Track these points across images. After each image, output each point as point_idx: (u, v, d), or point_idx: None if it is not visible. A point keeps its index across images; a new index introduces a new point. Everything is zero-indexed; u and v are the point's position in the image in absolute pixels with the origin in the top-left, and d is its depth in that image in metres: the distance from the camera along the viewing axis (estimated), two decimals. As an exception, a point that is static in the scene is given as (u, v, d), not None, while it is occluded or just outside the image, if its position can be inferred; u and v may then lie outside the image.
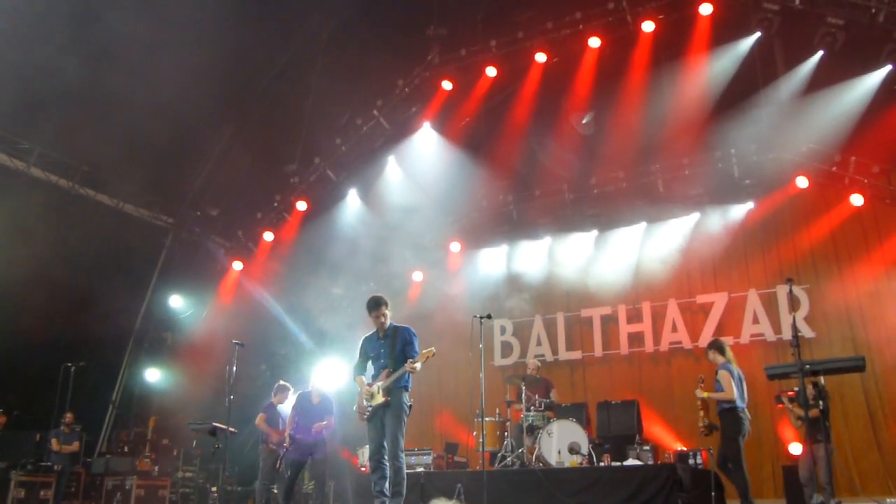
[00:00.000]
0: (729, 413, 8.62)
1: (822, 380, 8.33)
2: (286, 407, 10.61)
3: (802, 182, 12.39)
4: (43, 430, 12.32)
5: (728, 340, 12.56)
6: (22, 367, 13.31)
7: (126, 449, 14.05)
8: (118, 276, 14.60)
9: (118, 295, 14.74)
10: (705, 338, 12.80)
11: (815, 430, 8.75)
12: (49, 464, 12.05)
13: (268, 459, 10.16)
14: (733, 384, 8.61)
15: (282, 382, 10.97)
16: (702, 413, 8.93)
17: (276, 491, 10.36)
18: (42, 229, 13.23)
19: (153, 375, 15.94)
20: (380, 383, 7.22)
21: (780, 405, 10.05)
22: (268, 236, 15.83)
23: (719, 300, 12.94)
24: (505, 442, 10.88)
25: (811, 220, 12.64)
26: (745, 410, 8.71)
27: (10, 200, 12.88)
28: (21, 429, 12.94)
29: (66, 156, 14.24)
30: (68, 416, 12.61)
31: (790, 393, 9.50)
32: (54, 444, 12.26)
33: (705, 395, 8.89)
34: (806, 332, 11.80)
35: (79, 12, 11.85)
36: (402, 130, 15.13)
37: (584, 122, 14.16)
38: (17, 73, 12.03)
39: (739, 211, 13.10)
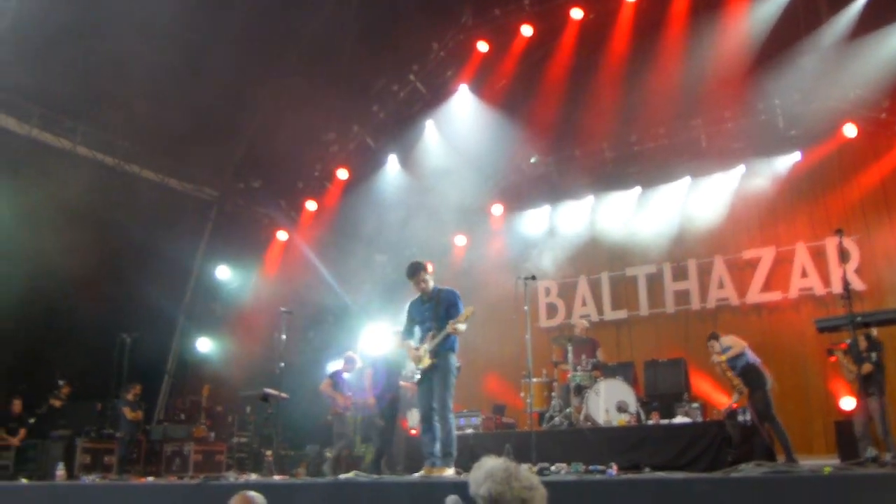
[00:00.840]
0: (750, 368, 8.95)
1: (874, 332, 8.25)
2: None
3: (850, 130, 12.07)
4: (103, 399, 12.74)
5: (776, 295, 12.51)
6: (81, 340, 13.75)
7: (182, 416, 14.45)
8: (166, 249, 14.90)
9: (168, 268, 15.08)
10: (753, 293, 12.70)
11: (869, 383, 8.70)
12: (112, 431, 12.49)
13: (338, 423, 10.57)
14: (739, 340, 9.03)
15: (350, 354, 11.36)
16: (729, 375, 9.10)
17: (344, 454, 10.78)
18: (90, 207, 13.52)
19: (204, 345, 16.32)
20: (426, 346, 7.31)
21: (833, 358, 9.96)
22: (310, 205, 16.00)
23: (766, 255, 12.75)
24: (552, 402, 10.96)
25: (860, 169, 12.33)
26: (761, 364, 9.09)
27: (58, 180, 13.17)
28: (82, 399, 13.42)
29: (110, 133, 14.46)
30: (137, 388, 13.13)
31: (843, 346, 9.40)
32: (128, 413, 12.72)
33: (721, 358, 9.06)
34: (857, 284, 11.57)
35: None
36: (438, 95, 15.08)
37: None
38: (57, 52, 12.23)
39: (785, 163, 12.81)
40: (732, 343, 9.11)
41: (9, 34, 12.08)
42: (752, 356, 9.13)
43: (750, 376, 8.94)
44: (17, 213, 12.34)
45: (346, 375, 11.26)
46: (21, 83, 12.57)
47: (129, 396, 12.99)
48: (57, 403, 12.87)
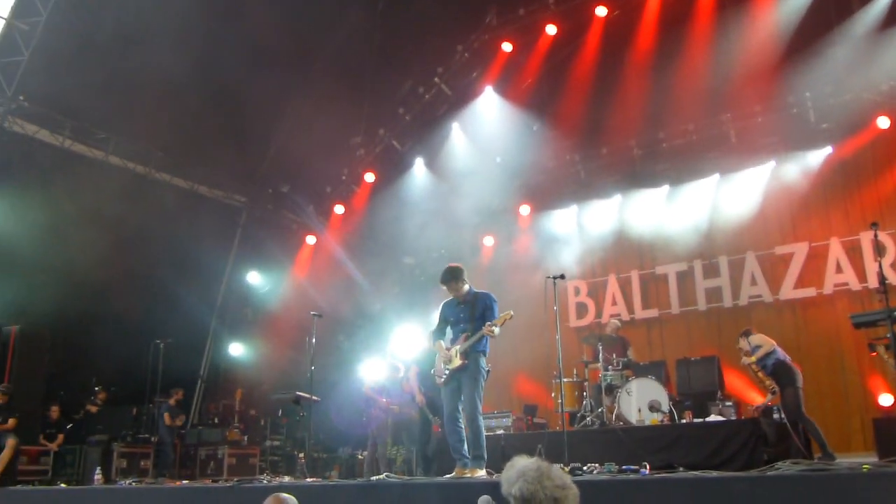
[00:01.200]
0: (780, 365, 8.79)
1: (912, 326, 8.08)
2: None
3: (884, 122, 11.85)
4: (138, 404, 12.93)
5: (810, 291, 12.31)
6: (115, 346, 13.97)
7: (216, 420, 14.62)
8: (198, 256, 15.10)
9: (199, 274, 15.28)
10: (787, 290, 12.51)
11: (909, 378, 8.55)
12: (148, 436, 12.66)
13: (375, 425, 10.75)
14: (767, 338, 8.88)
15: (394, 362, 11.62)
16: (761, 375, 8.97)
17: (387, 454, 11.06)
18: (122, 215, 13.75)
19: (237, 350, 16.50)
20: (458, 346, 7.28)
21: (874, 353, 9.77)
22: (338, 209, 16.09)
23: (799, 251, 12.56)
24: (584, 402, 10.89)
25: (894, 161, 12.09)
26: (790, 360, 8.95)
27: (92, 189, 13.40)
28: (118, 404, 13.63)
29: (141, 143, 14.68)
30: (180, 393, 13.32)
31: (885, 341, 9.21)
32: (167, 419, 12.91)
33: (752, 359, 8.93)
34: (893, 279, 11.31)
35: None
36: (464, 96, 15.08)
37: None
38: (88, 64, 12.45)
39: (817, 157, 12.59)
40: (761, 342, 8.95)
41: (40, 47, 12.34)
42: (781, 353, 8.98)
43: (780, 374, 8.82)
44: (52, 223, 12.59)
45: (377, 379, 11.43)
46: (53, 95, 12.85)
47: (172, 402, 13.23)
48: (93, 409, 13.11)
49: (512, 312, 7.22)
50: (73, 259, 12.72)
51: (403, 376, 11.28)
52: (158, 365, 12.58)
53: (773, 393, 8.91)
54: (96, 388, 13.41)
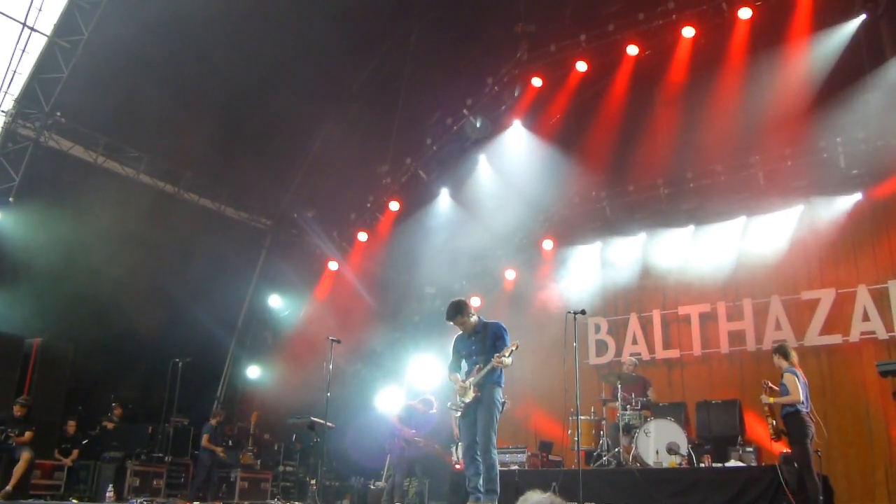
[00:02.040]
0: (793, 416, 8.51)
1: (940, 377, 7.91)
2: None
3: (915, 170, 11.71)
4: (155, 422, 12.95)
5: (836, 338, 12.09)
6: (135, 363, 14.07)
7: (230, 443, 14.60)
8: (221, 277, 15.23)
9: (221, 295, 15.38)
10: (812, 335, 12.28)
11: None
12: (162, 455, 12.66)
13: (395, 455, 10.93)
14: (799, 386, 8.50)
15: (429, 398, 11.79)
16: (770, 419, 8.75)
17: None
18: (150, 233, 13.94)
19: (254, 372, 16.52)
20: (471, 379, 7.25)
21: (901, 402, 9.55)
22: (362, 236, 16.15)
23: (826, 296, 12.36)
24: (601, 441, 10.75)
25: (925, 210, 11.93)
26: (812, 414, 8.61)
27: (121, 206, 13.60)
28: (135, 421, 13.66)
29: (171, 162, 14.89)
30: (221, 415, 13.67)
31: (914, 389, 9.01)
32: (205, 441, 13.11)
33: (771, 400, 8.71)
34: (921, 328, 11.14)
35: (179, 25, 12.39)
36: (491, 128, 15.14)
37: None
38: (124, 83, 12.73)
39: (846, 202, 12.43)
40: (792, 389, 8.63)
41: (80, 65, 12.63)
42: (803, 404, 8.68)
43: (791, 426, 8.56)
44: (79, 238, 12.75)
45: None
46: (89, 112, 13.11)
47: (213, 422, 13.31)
48: (109, 425, 13.16)
49: (518, 342, 7.20)
50: (97, 275, 12.88)
51: (436, 411, 11.39)
52: (176, 384, 12.63)
53: (777, 435, 8.72)
54: (113, 405, 13.47)
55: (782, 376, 8.77)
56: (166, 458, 12.64)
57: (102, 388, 13.91)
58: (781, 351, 9.06)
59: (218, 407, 15.89)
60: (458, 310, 7.38)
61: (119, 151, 14.24)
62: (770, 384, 8.98)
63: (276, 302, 16.94)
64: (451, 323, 7.44)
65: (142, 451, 12.53)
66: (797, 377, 8.62)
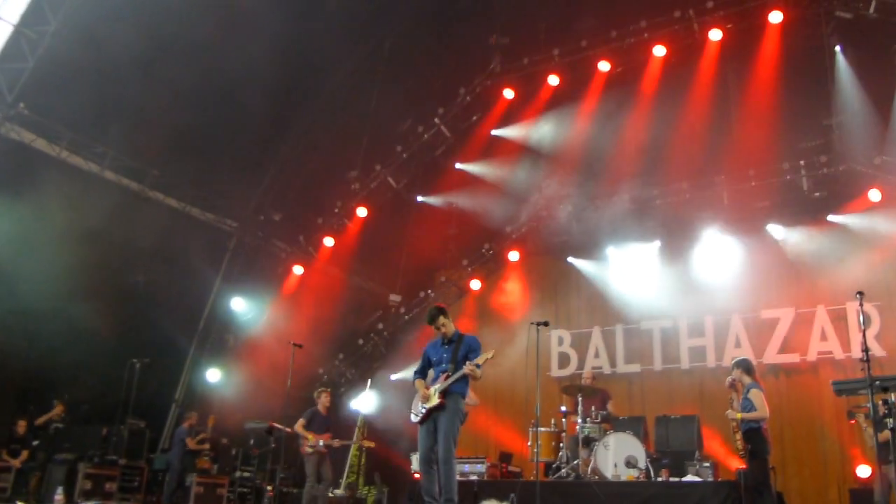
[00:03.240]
0: (757, 432, 8.42)
1: (893, 397, 8.04)
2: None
3: (875, 195, 11.96)
4: (109, 424, 12.67)
5: (794, 357, 12.28)
6: (91, 363, 13.75)
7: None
8: (183, 277, 15.00)
9: (183, 296, 15.16)
10: (770, 354, 12.47)
11: (887, 450, 8.42)
12: (116, 458, 12.36)
13: (306, 462, 10.52)
14: (765, 405, 8.44)
15: (322, 389, 11.32)
16: (738, 436, 8.67)
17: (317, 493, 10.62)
18: (112, 230, 13.65)
19: (214, 376, 16.27)
20: (437, 386, 7.23)
21: (853, 421, 9.70)
22: (328, 241, 16.04)
23: (785, 316, 12.56)
24: (560, 453, 10.76)
25: (884, 234, 12.16)
26: (768, 431, 8.57)
27: (84, 202, 13.33)
28: (89, 423, 13.35)
29: (137, 159, 14.66)
30: (193, 417, 13.43)
31: (865, 409, 9.12)
32: (190, 442, 12.96)
33: (739, 416, 8.61)
34: (877, 350, 11.32)
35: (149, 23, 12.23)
36: (463, 138, 15.19)
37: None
38: (90, 78, 12.50)
39: (808, 224, 12.69)
40: (760, 406, 8.56)
41: (46, 56, 12.39)
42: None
43: (754, 442, 8.47)
44: (39, 233, 12.45)
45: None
46: (54, 105, 12.84)
47: (186, 426, 13.05)
48: (40, 421, 12.70)
49: (493, 353, 7.21)
50: (56, 271, 12.57)
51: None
52: (133, 386, 12.38)
53: (744, 454, 8.73)
54: (54, 401, 13.03)
55: (747, 391, 8.70)
56: (120, 461, 12.37)
57: (57, 388, 13.57)
58: (744, 365, 8.86)
59: (176, 410, 15.65)
60: (441, 312, 7.49)
61: (83, 146, 13.96)
62: (733, 396, 8.94)
63: (239, 305, 16.73)
64: (432, 325, 7.49)
65: (95, 453, 12.25)
66: (763, 393, 8.63)
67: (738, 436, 8.64)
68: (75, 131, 13.66)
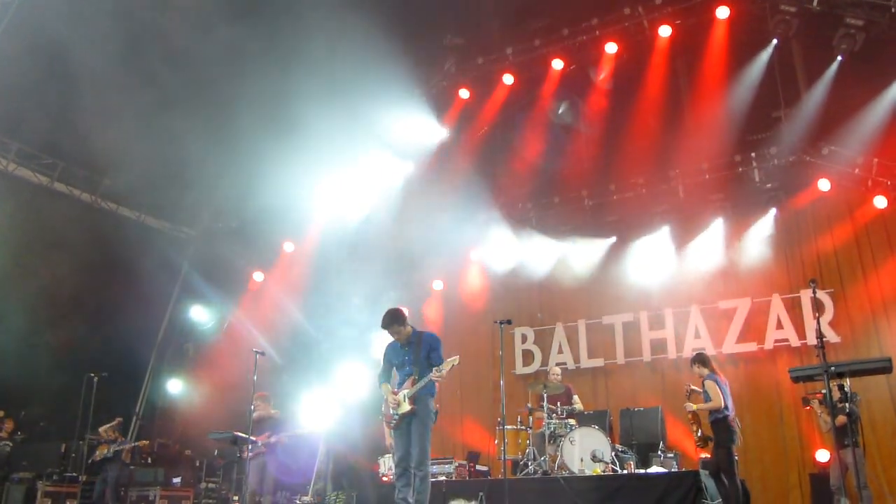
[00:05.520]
0: (721, 422, 8.75)
1: (847, 382, 8.26)
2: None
3: (824, 185, 12.25)
4: (67, 440, 12.41)
5: (751, 346, 12.52)
6: (46, 378, 13.44)
7: (150, 460, 14.11)
8: (140, 288, 14.73)
9: (141, 307, 14.89)
10: (729, 344, 12.70)
11: (843, 435, 8.67)
12: (76, 474, 12.11)
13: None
14: (721, 392, 8.73)
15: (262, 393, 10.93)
16: (694, 427, 9.01)
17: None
18: (65, 242, 13.36)
19: (175, 387, 16.05)
20: (405, 391, 7.20)
21: (809, 407, 9.93)
22: (288, 247, 15.90)
23: (742, 306, 12.80)
24: (527, 450, 10.81)
25: (834, 223, 12.48)
26: (736, 420, 8.88)
27: (35, 214, 13.06)
28: (46, 440, 13.06)
29: (88, 170, 14.36)
30: (116, 421, 12.92)
31: (819, 395, 9.37)
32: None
33: (695, 407, 8.96)
34: (831, 336, 11.61)
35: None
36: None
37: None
38: (37, 89, 12.19)
39: (761, 215, 12.95)
40: (714, 395, 8.83)
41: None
42: (728, 409, 8.97)
43: (718, 431, 8.76)
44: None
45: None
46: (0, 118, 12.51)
47: (103, 433, 12.74)
48: None
49: (458, 359, 7.20)
50: (7, 286, 12.29)
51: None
52: (91, 400, 12.13)
53: (703, 441, 8.96)
54: (1, 415, 12.68)
55: (703, 384, 8.98)
56: (80, 478, 12.12)
57: (10, 405, 13.23)
58: (699, 359, 9.25)
59: (137, 423, 15.40)
60: (394, 318, 7.34)
61: (31, 158, 13.64)
62: (693, 387, 9.23)
63: (198, 314, 16.51)
64: (387, 331, 7.39)
65: (54, 470, 11.99)
66: (717, 383, 8.84)
67: (694, 426, 8.92)
68: (23, 143, 13.34)
